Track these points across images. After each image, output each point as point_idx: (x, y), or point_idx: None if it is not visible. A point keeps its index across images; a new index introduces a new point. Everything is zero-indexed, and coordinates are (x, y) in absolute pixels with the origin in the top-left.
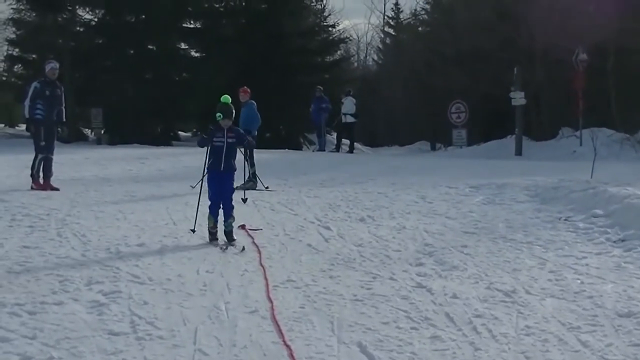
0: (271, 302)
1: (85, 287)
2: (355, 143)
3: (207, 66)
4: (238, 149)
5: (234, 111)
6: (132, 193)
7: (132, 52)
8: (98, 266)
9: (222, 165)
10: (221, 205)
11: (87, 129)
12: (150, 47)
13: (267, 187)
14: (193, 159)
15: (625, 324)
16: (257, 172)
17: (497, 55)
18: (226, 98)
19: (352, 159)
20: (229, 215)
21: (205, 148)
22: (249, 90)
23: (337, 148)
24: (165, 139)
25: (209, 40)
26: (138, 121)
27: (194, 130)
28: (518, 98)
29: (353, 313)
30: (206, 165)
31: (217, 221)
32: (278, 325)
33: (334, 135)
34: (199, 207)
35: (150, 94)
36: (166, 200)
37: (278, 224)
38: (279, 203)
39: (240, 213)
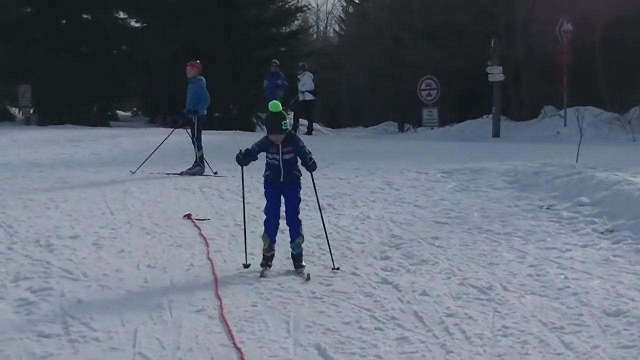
0: (220, 300)
1: (12, 284)
2: (314, 124)
3: (149, 39)
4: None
5: (286, 121)
6: (65, 179)
7: (64, 22)
8: (26, 260)
9: (282, 178)
10: (286, 221)
11: (14, 108)
12: (84, 16)
13: (215, 173)
14: (133, 141)
15: (613, 323)
16: (205, 156)
17: (473, 27)
18: (275, 105)
19: (310, 141)
20: (297, 234)
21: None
22: (198, 64)
23: (294, 129)
24: (102, 119)
25: (151, 9)
26: (72, 100)
27: (134, 109)
28: (495, 73)
29: (311, 312)
30: (263, 176)
31: (273, 242)
32: (227, 326)
33: (291, 114)
34: (246, 233)
35: (86, 69)
36: (103, 188)
37: (228, 213)
38: (228, 190)
39: (187, 201)
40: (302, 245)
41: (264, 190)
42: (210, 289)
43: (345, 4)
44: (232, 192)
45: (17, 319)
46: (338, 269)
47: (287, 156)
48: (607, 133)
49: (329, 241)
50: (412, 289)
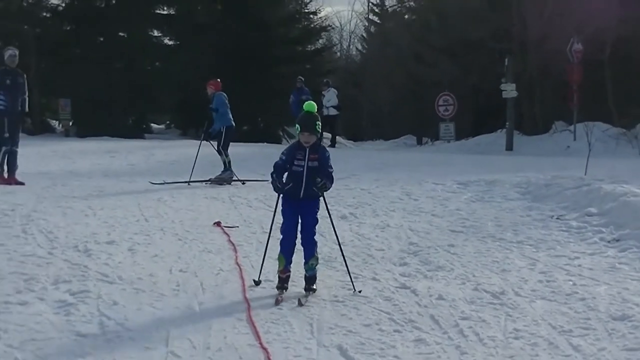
0: (247, 302)
1: (52, 287)
2: (337, 137)
3: (181, 55)
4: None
5: (320, 123)
6: (102, 188)
7: (102, 39)
8: (65, 264)
9: (302, 192)
10: (300, 242)
11: (54, 121)
12: (121, 34)
13: (243, 182)
14: (166, 152)
15: (619, 327)
16: (233, 168)
17: (488, 46)
18: (311, 105)
19: (334, 154)
20: (311, 255)
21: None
22: (216, 82)
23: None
24: (137, 131)
25: (183, 27)
26: (108, 113)
27: (167, 122)
28: (509, 90)
29: (333, 315)
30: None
31: (289, 262)
32: (254, 327)
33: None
34: (267, 250)
35: (122, 84)
36: (137, 196)
37: (255, 221)
38: (256, 199)
39: (216, 209)
40: (316, 268)
41: (281, 208)
42: (239, 293)
43: (367, 24)
44: (260, 201)
45: (56, 319)
46: (360, 291)
47: (312, 164)
48: (615, 147)
49: (348, 266)
50: (428, 293)
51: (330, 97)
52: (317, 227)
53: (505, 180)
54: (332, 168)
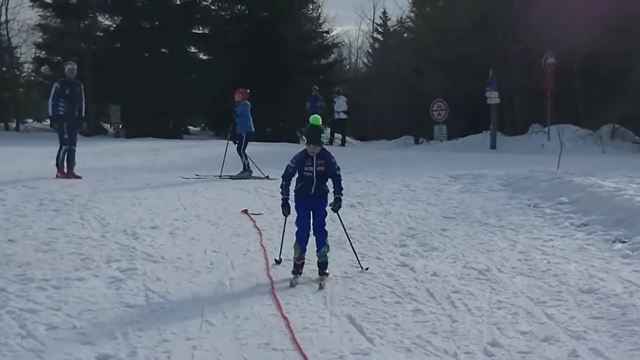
0: (271, 278)
1: (105, 265)
2: (347, 137)
3: (214, 68)
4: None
5: (324, 135)
6: (147, 181)
7: (147, 55)
8: (116, 246)
9: (313, 190)
10: (312, 232)
11: (106, 124)
12: (163, 50)
13: (267, 176)
14: (202, 150)
15: (586, 299)
16: (256, 162)
17: (475, 60)
18: (316, 119)
19: (344, 152)
20: (322, 243)
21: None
22: (244, 92)
23: (331, 142)
24: (176, 132)
25: (215, 44)
26: (152, 117)
27: (202, 125)
28: (493, 97)
29: (344, 289)
30: (295, 190)
31: (304, 251)
32: (277, 300)
33: (328, 130)
34: (285, 234)
35: (163, 92)
36: (177, 188)
37: (278, 209)
38: (278, 190)
39: (243, 199)
40: (327, 254)
41: (295, 204)
42: (263, 270)
43: (372, 41)
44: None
45: (108, 292)
46: (367, 269)
47: (320, 168)
48: (583, 146)
49: (354, 248)
50: (424, 270)
51: (341, 103)
52: (329, 213)
53: (489, 174)
54: (339, 170)
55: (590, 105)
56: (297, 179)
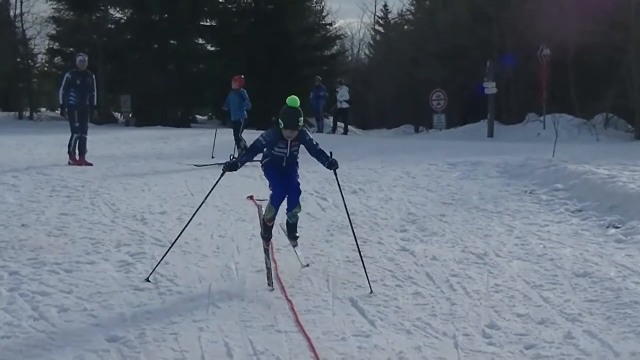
0: (275, 262)
1: (115, 249)
2: (349, 126)
3: (221, 59)
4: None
5: (302, 117)
6: (156, 168)
7: (156, 46)
8: (126, 231)
9: (284, 163)
10: (287, 197)
11: (117, 113)
12: (172, 42)
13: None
14: (209, 139)
15: (581, 282)
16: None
17: (473, 51)
18: (294, 100)
19: (346, 140)
20: (295, 203)
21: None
22: (241, 79)
23: (333, 130)
24: (184, 121)
25: (222, 36)
26: (161, 106)
27: (209, 114)
28: (490, 87)
29: (346, 272)
30: (263, 163)
31: (276, 213)
32: (281, 283)
33: (331, 119)
34: (164, 256)
35: (172, 83)
36: (185, 175)
37: None
38: None
39: (249, 185)
40: (299, 215)
41: (264, 172)
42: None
43: (373, 33)
44: None
45: (118, 276)
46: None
47: (294, 149)
48: (577, 134)
49: (355, 233)
50: (424, 254)
51: (343, 93)
52: (332, 199)
53: (487, 162)
54: (317, 144)
55: (584, 95)
56: (269, 155)
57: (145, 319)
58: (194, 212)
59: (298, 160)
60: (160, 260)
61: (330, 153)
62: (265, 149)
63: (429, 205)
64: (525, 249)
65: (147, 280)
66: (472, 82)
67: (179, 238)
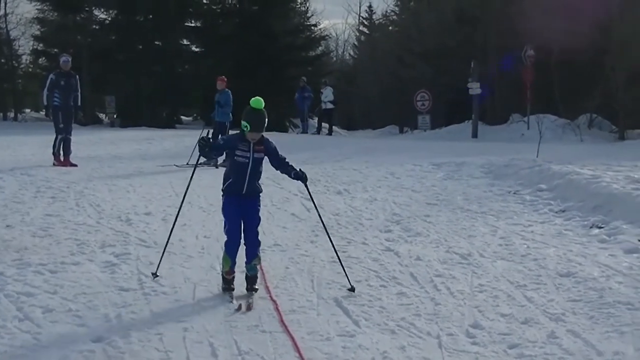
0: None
1: (100, 250)
2: (333, 127)
3: (207, 60)
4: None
5: (266, 120)
6: (141, 169)
7: (141, 47)
8: (111, 232)
9: (245, 188)
10: (242, 242)
11: (102, 114)
12: (157, 43)
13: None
14: (194, 140)
15: (564, 282)
16: None
17: (457, 52)
18: (258, 102)
19: (331, 141)
20: (254, 255)
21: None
22: (225, 79)
23: (318, 131)
24: (169, 122)
25: (208, 37)
26: (146, 107)
27: (195, 115)
28: (474, 88)
29: (330, 273)
30: (223, 187)
31: (234, 264)
32: (266, 283)
33: (316, 119)
34: (167, 246)
35: (157, 84)
36: (170, 176)
37: (266, 195)
38: (267, 178)
39: None
40: (258, 267)
41: (223, 208)
42: None
43: (358, 34)
44: (269, 179)
45: (103, 276)
46: (353, 289)
47: (258, 155)
48: (561, 135)
49: (330, 237)
50: (409, 255)
51: (328, 93)
52: (317, 200)
53: (471, 162)
54: (284, 157)
55: (568, 95)
56: (227, 172)
57: (130, 320)
58: (178, 208)
59: (260, 194)
60: (163, 254)
61: (300, 170)
62: (227, 150)
63: (413, 205)
64: (509, 249)
65: (155, 275)
66: (456, 83)
67: (164, 239)
